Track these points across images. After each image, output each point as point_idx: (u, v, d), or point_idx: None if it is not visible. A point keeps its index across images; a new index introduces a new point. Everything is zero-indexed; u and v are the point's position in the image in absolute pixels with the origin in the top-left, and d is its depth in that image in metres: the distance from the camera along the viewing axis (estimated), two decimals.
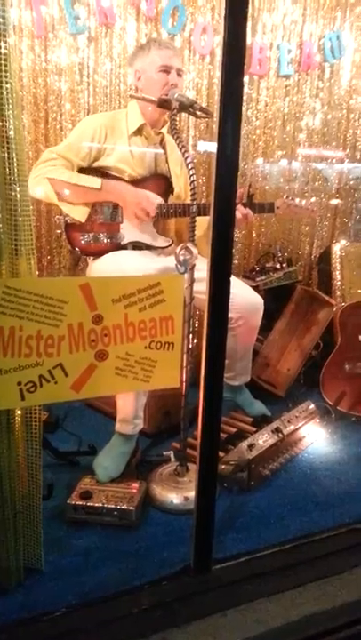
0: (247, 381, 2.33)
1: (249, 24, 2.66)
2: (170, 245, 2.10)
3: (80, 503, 1.62)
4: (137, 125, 2.03)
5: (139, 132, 2.05)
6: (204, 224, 1.75)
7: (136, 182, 2.02)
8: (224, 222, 1.19)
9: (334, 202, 3.19)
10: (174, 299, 1.25)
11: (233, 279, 1.26)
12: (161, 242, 2.08)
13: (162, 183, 2.07)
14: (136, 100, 2.04)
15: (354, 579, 1.47)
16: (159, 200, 2.02)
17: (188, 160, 1.59)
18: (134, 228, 2.03)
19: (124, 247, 2.03)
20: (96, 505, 1.62)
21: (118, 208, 1.99)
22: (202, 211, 1.74)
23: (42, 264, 2.53)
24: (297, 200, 2.23)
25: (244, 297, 2.07)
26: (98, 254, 2.02)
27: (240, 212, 2.01)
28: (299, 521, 1.68)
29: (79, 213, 1.97)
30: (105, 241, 1.99)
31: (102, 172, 1.99)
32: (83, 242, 1.99)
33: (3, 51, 1.10)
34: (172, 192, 2.09)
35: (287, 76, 2.87)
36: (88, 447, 1.98)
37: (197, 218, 1.63)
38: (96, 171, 1.99)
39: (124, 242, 2.02)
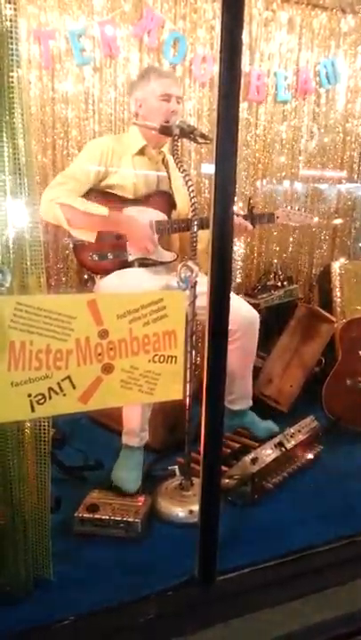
0: (249, 406, 2.29)
1: (247, 53, 2.80)
2: (175, 260, 2.16)
3: (87, 516, 1.66)
4: (139, 147, 2.12)
5: (141, 152, 2.13)
6: (206, 238, 1.81)
7: (139, 200, 2.10)
8: (222, 238, 1.26)
9: (334, 221, 3.27)
10: (176, 314, 1.31)
11: None
12: (166, 256, 2.14)
13: (164, 200, 2.15)
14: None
15: (355, 589, 1.48)
16: (162, 217, 2.09)
17: (190, 183, 1.67)
18: None
19: (131, 264, 2.09)
20: (103, 517, 1.65)
21: None
22: (204, 225, 1.81)
23: (49, 284, 2.60)
24: (296, 209, 2.31)
25: (239, 310, 2.09)
26: (106, 272, 2.08)
27: (241, 222, 2.09)
28: (301, 533, 1.70)
29: (88, 235, 2.03)
30: (112, 259, 2.05)
31: (107, 193, 2.06)
32: (91, 261, 2.06)
33: (15, 82, 1.18)
34: (174, 207, 2.17)
35: (285, 102, 2.97)
36: (94, 462, 2.02)
37: (200, 232, 1.71)
38: (101, 192, 2.06)
39: (131, 259, 2.08)
